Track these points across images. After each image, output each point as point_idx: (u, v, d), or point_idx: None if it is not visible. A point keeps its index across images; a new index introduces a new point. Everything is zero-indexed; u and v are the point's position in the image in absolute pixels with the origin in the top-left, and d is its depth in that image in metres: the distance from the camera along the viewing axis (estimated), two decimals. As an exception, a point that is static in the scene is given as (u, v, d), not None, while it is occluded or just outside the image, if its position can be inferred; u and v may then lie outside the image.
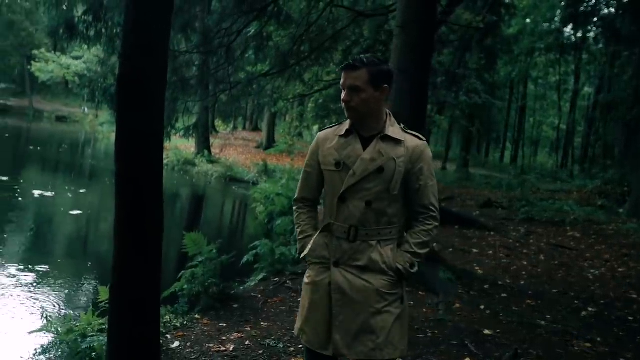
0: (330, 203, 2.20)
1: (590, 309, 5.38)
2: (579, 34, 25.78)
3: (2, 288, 5.79)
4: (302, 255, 2.29)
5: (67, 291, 6.13)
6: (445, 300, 5.20)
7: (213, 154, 22.45)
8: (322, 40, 9.55)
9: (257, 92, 10.78)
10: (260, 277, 6.03)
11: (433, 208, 2.19)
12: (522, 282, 6.34)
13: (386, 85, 2.15)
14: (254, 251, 6.13)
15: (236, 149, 26.50)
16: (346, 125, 2.23)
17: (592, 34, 24.87)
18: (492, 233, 9.43)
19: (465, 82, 14.74)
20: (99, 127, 34.66)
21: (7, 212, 9.86)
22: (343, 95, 2.15)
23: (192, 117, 21.45)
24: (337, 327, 2.14)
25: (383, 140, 2.15)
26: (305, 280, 2.27)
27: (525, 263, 7.41)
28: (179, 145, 21.56)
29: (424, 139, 2.24)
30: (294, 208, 2.37)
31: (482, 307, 5.13)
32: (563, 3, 22.77)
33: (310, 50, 9.58)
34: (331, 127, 2.32)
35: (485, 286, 5.89)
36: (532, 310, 5.21)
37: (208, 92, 9.72)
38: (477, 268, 6.85)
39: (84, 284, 6.55)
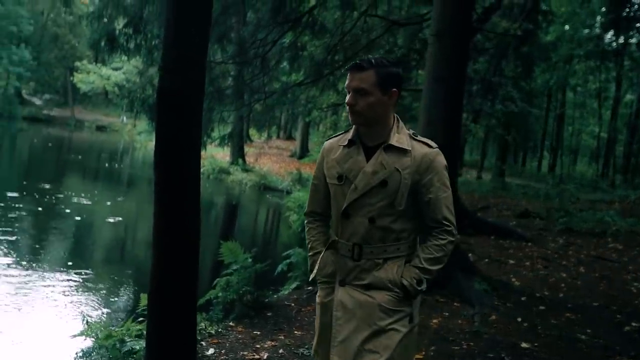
0: (335, 219, 2.08)
1: (633, 324, 5.20)
2: (621, 40, 25.11)
3: (46, 292, 5.97)
4: (311, 278, 2.16)
5: (106, 296, 6.28)
6: (481, 312, 5.12)
7: (247, 162, 22.70)
8: (356, 50, 9.59)
9: (292, 101, 10.89)
10: (293, 285, 6.06)
11: (447, 222, 2.00)
12: (561, 295, 6.19)
13: (395, 89, 1.99)
14: (288, 260, 6.17)
15: (270, 158, 26.73)
16: (350, 134, 2.07)
17: (634, 40, 24.21)
18: (529, 244, 9.23)
19: (501, 90, 14.53)
20: (137, 136, 35.48)
21: (49, 219, 10.18)
22: (347, 97, 1.99)
23: (227, 126, 21.79)
24: (335, 348, 2.00)
25: (387, 151, 1.98)
26: (317, 300, 2.14)
27: (565, 275, 7.23)
28: (214, 154, 21.91)
29: (435, 146, 2.03)
30: (305, 222, 2.24)
31: (519, 319, 5.03)
32: (604, 9, 22.24)
33: (344, 59, 9.63)
34: (337, 135, 2.16)
35: (523, 298, 5.77)
36: (572, 323, 5.07)
37: (243, 101, 9.87)
38: (513, 279, 6.72)
39: (122, 290, 6.70)
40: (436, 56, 6.05)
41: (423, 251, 2.02)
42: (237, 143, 22.02)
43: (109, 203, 12.98)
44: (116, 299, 6.39)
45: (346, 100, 2.01)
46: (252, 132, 29.94)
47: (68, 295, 6.03)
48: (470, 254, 7.37)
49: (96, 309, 5.77)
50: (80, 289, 6.28)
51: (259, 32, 8.78)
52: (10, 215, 9.61)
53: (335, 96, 11.57)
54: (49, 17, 57.30)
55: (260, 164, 23.24)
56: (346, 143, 2.05)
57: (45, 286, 6.14)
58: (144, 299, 4.20)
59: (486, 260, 7.67)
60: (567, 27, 26.20)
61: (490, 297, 5.67)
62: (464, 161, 25.82)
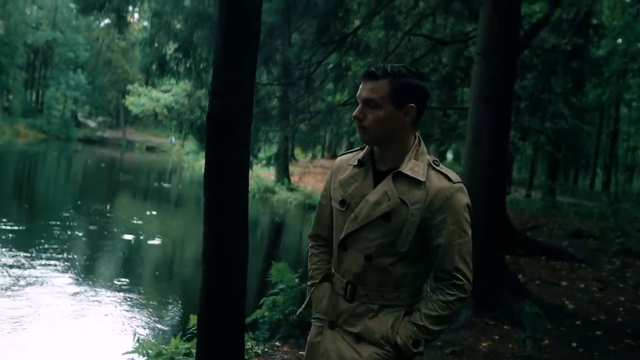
0: (334, 248, 1.79)
1: (698, 352, 4.92)
2: (677, 53, 24.13)
3: (98, 308, 6.15)
4: (299, 311, 1.96)
5: (155, 313, 6.42)
6: (533, 336, 4.95)
7: (292, 181, 22.90)
8: (401, 69, 9.57)
9: (336, 121, 10.95)
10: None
11: (458, 274, 1.64)
12: (620, 319, 5.92)
13: (412, 105, 1.66)
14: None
15: (315, 177, 26.86)
16: (362, 153, 1.78)
17: (692, 52, 23.21)
18: (583, 265, 8.89)
19: (550, 106, 14.19)
20: (185, 156, 36.37)
21: (101, 238, 10.53)
22: (356, 109, 1.70)
23: (273, 146, 22.08)
24: None
25: (396, 179, 1.66)
26: (308, 337, 1.87)
27: (622, 298, 6.91)
28: (260, 174, 22.21)
29: (458, 180, 1.67)
30: (309, 246, 1.96)
31: (574, 344, 4.83)
32: (658, 21, 21.47)
33: (389, 79, 9.62)
34: (351, 152, 1.85)
35: (577, 322, 5.55)
36: (632, 350, 4.84)
37: (288, 122, 10.00)
38: (567, 302, 6.47)
39: (170, 308, 6.83)
40: (482, 75, 5.98)
41: (426, 305, 1.67)
42: (282, 162, 22.27)
43: (158, 222, 13.32)
44: (164, 316, 6.52)
45: (354, 114, 1.71)
46: (297, 151, 30.22)
47: (119, 311, 6.19)
48: (520, 275, 7.16)
49: (145, 326, 5.90)
50: (130, 306, 6.44)
51: (304, 54, 8.91)
52: (65, 234, 9.98)
53: (379, 115, 11.56)
54: (104, 43, 59.92)
55: (305, 183, 23.39)
56: (356, 163, 1.76)
57: (97, 301, 6.33)
58: (193, 319, 4.28)
59: (537, 281, 7.43)
60: (619, 40, 25.42)
61: (543, 320, 5.47)
62: (512, 179, 25.23)
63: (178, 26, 8.81)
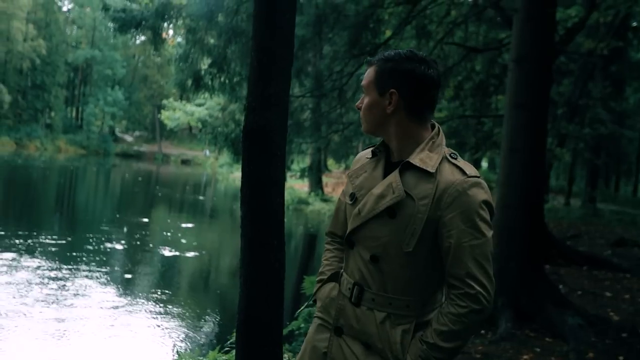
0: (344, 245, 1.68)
1: None
2: None
3: (139, 320, 6.27)
4: (302, 308, 1.83)
5: (194, 326, 6.50)
6: (577, 349, 4.81)
7: (325, 192, 22.94)
8: (433, 78, 9.52)
9: (369, 131, 10.93)
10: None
11: (471, 282, 1.42)
12: (667, 332, 5.70)
13: (393, 90, 1.52)
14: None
15: (348, 187, 26.83)
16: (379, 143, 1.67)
17: None
18: (627, 275, 8.60)
19: (588, 112, 13.87)
20: (219, 168, 36.90)
21: (139, 250, 10.74)
22: None
23: (306, 157, 22.19)
24: None
25: (405, 171, 1.51)
26: (307, 335, 1.75)
27: (670, 309, 6.66)
28: (293, 185, 22.36)
29: (474, 174, 1.48)
30: (325, 243, 1.87)
31: (621, 358, 4.68)
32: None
33: (421, 88, 9.58)
34: (374, 145, 1.72)
35: (623, 334, 5.37)
36: (681, 364, 4.65)
37: (320, 133, 10.04)
38: (611, 313, 6.27)
39: (209, 320, 6.90)
40: (516, 82, 5.90)
41: (438, 319, 1.48)
42: (316, 174, 22.36)
43: (194, 234, 13.51)
44: (202, 328, 6.59)
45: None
46: (330, 162, 30.29)
47: (158, 322, 6.29)
48: (560, 286, 6.98)
49: (184, 338, 5.97)
50: (169, 318, 6.54)
51: (336, 65, 8.95)
52: (105, 247, 10.23)
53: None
54: (140, 60, 61.50)
55: (338, 194, 23.35)
56: (370, 155, 1.65)
57: (137, 313, 6.45)
58: (233, 334, 4.31)
59: (579, 292, 7.22)
60: (659, 42, 24.69)
61: (586, 332, 5.31)
62: (550, 187, 24.68)
63: (212, 41, 8.98)
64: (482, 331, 5.19)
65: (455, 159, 1.51)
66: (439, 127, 1.59)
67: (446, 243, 1.45)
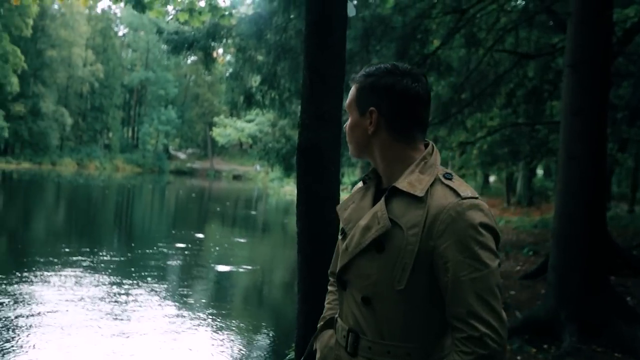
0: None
1: None
2: None
3: (196, 334, 6.40)
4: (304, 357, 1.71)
5: (250, 341, 6.58)
6: (648, 365, 4.58)
7: (376, 204, 22.82)
8: (484, 86, 9.39)
9: (419, 142, 10.85)
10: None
11: (475, 322, 1.21)
12: None
13: (372, 108, 1.38)
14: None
15: (398, 199, 26.61)
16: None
17: None
18: (701, 286, 8.13)
19: (650, 114, 13.25)
20: (270, 182, 37.38)
21: (194, 265, 10.98)
22: None
23: (356, 170, 22.17)
24: None
25: (393, 197, 1.34)
26: None
27: None
28: (344, 198, 22.34)
29: (470, 195, 1.29)
30: (328, 284, 1.72)
31: (697, 374, 4.42)
32: None
33: (472, 97, 9.46)
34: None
35: (699, 349, 5.07)
36: None
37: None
38: (685, 327, 5.93)
39: (265, 334, 6.97)
40: (573, 88, 5.73)
41: None
42: (366, 186, 22.31)
43: (247, 249, 13.71)
44: (259, 343, 6.66)
45: None
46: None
47: (215, 337, 6.40)
48: (628, 298, 6.67)
49: (241, 353, 6.05)
50: (226, 332, 6.64)
51: (384, 77, 8.95)
52: (161, 262, 10.52)
53: (464, 135, 11.36)
54: (191, 79, 63.38)
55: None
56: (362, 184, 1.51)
57: (194, 327, 6.58)
58: (291, 351, 4.34)
59: (648, 304, 6.88)
60: None
61: (658, 347, 5.06)
62: (612, 194, 23.66)
63: (261, 59, 9.18)
64: (545, 345, 5.02)
65: (450, 179, 1.33)
66: (433, 146, 1.42)
67: (443, 278, 1.26)
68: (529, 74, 10.35)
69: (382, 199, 1.35)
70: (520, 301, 6.72)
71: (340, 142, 2.89)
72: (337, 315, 1.49)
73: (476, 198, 1.29)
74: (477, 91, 9.37)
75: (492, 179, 30.73)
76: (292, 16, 8.61)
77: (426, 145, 1.43)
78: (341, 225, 1.47)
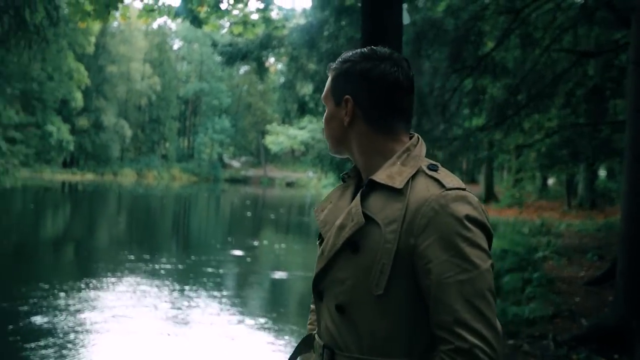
0: None
1: None
2: None
3: (256, 338, 6.51)
4: None
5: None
6: None
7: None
8: (541, 87, 9.12)
9: (474, 146, 10.66)
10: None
11: (464, 332, 1.04)
12: None
13: (347, 97, 1.24)
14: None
15: (453, 203, 26.18)
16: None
17: None
18: None
19: None
20: (323, 189, 37.54)
21: (251, 272, 11.17)
22: None
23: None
24: None
25: (371, 192, 1.18)
26: None
27: None
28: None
29: (455, 185, 1.13)
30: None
31: None
32: None
33: (528, 98, 9.21)
34: None
35: None
36: None
37: (424, 150, 9.93)
38: None
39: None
40: (638, 85, 5.49)
41: None
42: (419, 190, 22.11)
43: (302, 255, 13.82)
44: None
45: None
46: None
47: (273, 340, 6.48)
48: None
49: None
50: (282, 337, 6.71)
51: (436, 81, 8.86)
52: (219, 270, 10.75)
53: (521, 137, 11.07)
54: (244, 89, 64.67)
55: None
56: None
57: (254, 332, 6.69)
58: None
59: None
60: None
61: None
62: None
63: (313, 67, 9.28)
64: (616, 355, 4.81)
65: (435, 170, 1.17)
66: (418, 137, 1.27)
67: (425, 281, 1.08)
68: (589, 72, 9.98)
69: (358, 194, 1.20)
70: (586, 308, 6.47)
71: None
72: (315, 332, 1.30)
73: (463, 189, 1.12)
74: (533, 92, 9.12)
75: (550, 181, 29.73)
76: (343, 23, 8.66)
77: (411, 137, 1.28)
78: (319, 229, 1.29)
